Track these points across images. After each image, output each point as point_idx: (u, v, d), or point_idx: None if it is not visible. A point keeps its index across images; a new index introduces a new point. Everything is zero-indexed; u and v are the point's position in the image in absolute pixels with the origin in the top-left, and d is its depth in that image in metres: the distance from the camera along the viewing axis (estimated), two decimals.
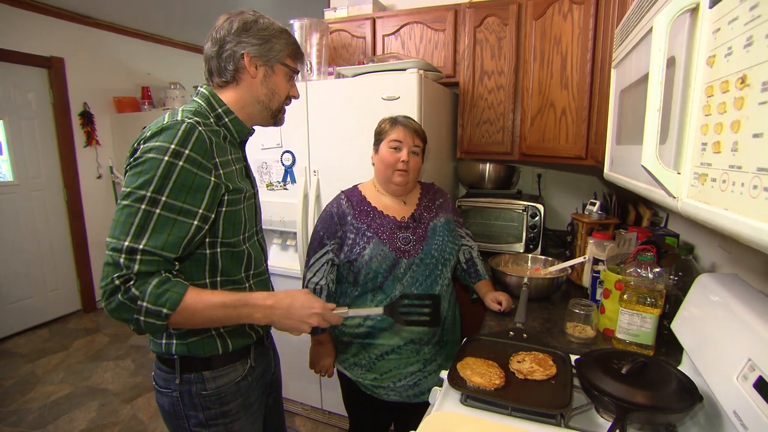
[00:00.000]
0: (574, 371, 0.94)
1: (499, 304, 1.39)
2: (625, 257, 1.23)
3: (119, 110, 3.87)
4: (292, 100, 1.07)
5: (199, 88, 0.99)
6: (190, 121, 0.86)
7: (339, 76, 1.95)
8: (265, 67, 0.97)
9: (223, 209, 0.92)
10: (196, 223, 0.85)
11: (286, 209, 2.01)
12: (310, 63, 1.97)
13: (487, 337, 1.16)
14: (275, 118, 1.05)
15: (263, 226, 1.19)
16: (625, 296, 1.09)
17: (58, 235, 3.62)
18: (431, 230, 1.36)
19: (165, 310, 0.80)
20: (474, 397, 0.89)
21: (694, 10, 0.52)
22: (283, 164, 2.00)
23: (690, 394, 0.79)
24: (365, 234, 1.30)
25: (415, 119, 1.48)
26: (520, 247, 2.03)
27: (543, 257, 1.74)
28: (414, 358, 1.33)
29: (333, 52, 2.36)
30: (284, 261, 2.11)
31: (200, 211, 0.85)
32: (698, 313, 0.91)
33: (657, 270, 1.08)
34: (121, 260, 0.78)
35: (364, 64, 1.97)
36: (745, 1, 0.40)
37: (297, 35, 1.95)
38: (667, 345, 1.12)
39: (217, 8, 3.38)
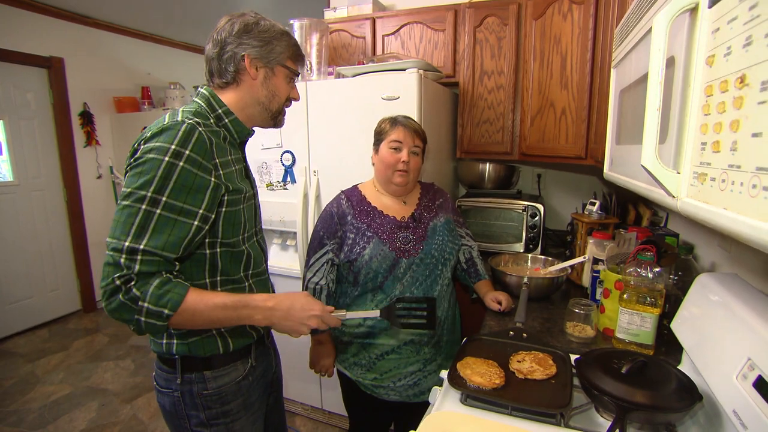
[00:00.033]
0: (574, 371, 0.94)
1: (499, 303, 1.39)
2: (625, 257, 1.23)
3: (119, 110, 3.87)
4: (292, 101, 1.07)
5: (199, 89, 0.99)
6: (191, 121, 0.86)
7: (339, 76, 1.95)
8: (265, 69, 0.97)
9: (223, 210, 0.92)
10: (196, 223, 0.85)
11: (286, 209, 2.01)
12: (310, 63, 1.98)
13: (487, 336, 1.16)
14: (275, 119, 1.05)
15: (263, 226, 1.19)
16: (624, 296, 1.09)
17: (58, 235, 3.62)
18: (431, 230, 1.36)
19: (166, 311, 0.80)
20: (474, 396, 0.90)
21: (694, 10, 0.52)
22: (283, 164, 2.00)
23: (690, 394, 0.79)
24: (365, 234, 1.30)
25: (415, 119, 1.49)
26: (520, 247, 2.03)
27: (543, 257, 1.74)
28: (414, 357, 1.33)
29: (333, 52, 2.36)
30: (284, 261, 2.11)
31: (200, 211, 0.86)
32: (698, 312, 0.91)
33: (657, 270, 1.08)
34: (122, 260, 0.78)
35: (364, 64, 1.97)
36: (744, 0, 0.40)
37: (297, 35, 1.95)
38: (667, 344, 1.12)
39: (217, 8, 3.38)
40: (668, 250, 1.28)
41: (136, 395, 2.55)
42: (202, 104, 0.95)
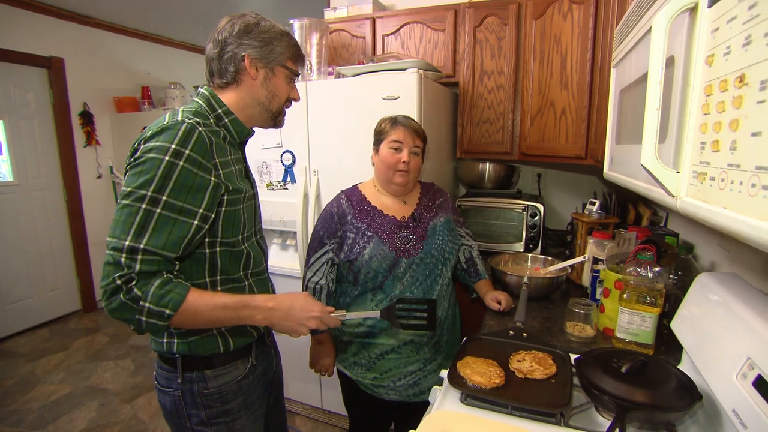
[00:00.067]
0: (574, 370, 0.94)
1: (499, 303, 1.39)
2: (625, 256, 1.23)
3: (119, 110, 3.87)
4: (292, 102, 1.07)
5: (199, 89, 0.99)
6: (191, 121, 0.86)
7: (339, 75, 1.95)
8: (265, 69, 0.98)
9: (223, 209, 0.92)
10: (196, 222, 0.85)
11: (286, 209, 2.01)
12: (310, 63, 1.98)
13: (487, 336, 1.16)
14: (275, 120, 1.05)
15: (263, 226, 1.19)
16: (624, 295, 1.09)
17: (58, 235, 3.62)
18: (431, 230, 1.36)
19: (167, 311, 0.81)
20: (474, 396, 0.90)
21: (693, 10, 0.52)
22: (283, 164, 2.00)
23: (689, 393, 0.79)
24: (365, 233, 1.30)
25: (415, 119, 1.49)
26: (519, 247, 2.03)
27: (543, 257, 1.74)
28: (414, 357, 1.34)
29: (333, 51, 2.36)
30: (284, 261, 2.11)
31: (200, 210, 0.86)
32: (698, 312, 0.91)
33: (657, 269, 1.08)
34: (123, 260, 0.78)
35: (364, 63, 1.98)
36: (744, 0, 0.40)
37: (297, 35, 1.95)
38: (667, 344, 1.12)
39: (217, 8, 3.38)
40: (668, 249, 1.28)
41: (137, 395, 2.55)
42: (202, 104, 0.96)
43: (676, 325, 0.98)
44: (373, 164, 1.39)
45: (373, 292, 1.31)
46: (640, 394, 0.78)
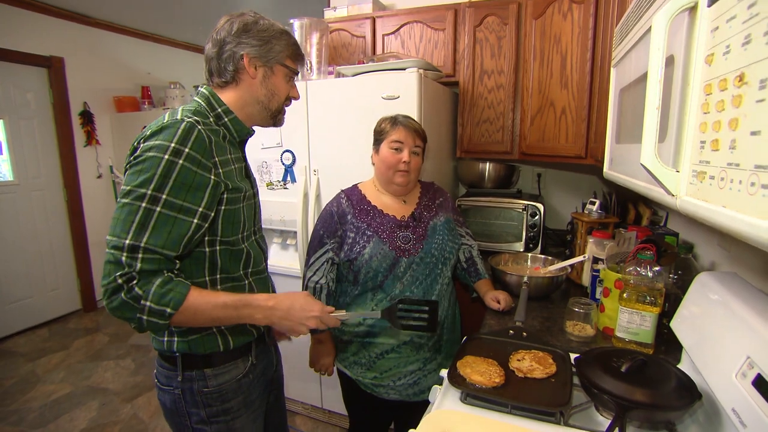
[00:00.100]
0: (574, 369, 0.94)
1: (499, 302, 1.39)
2: (625, 256, 1.23)
3: (119, 110, 3.87)
4: (292, 101, 1.07)
5: (199, 88, 0.99)
6: (190, 120, 0.86)
7: (339, 75, 1.95)
8: (264, 68, 0.98)
9: (223, 208, 0.92)
10: (196, 221, 0.86)
11: (286, 208, 2.01)
12: (310, 62, 1.98)
13: (487, 335, 1.16)
14: (275, 118, 1.05)
15: (263, 225, 1.19)
16: (624, 295, 1.09)
17: (58, 235, 3.62)
18: (431, 229, 1.36)
19: (168, 310, 0.81)
20: (474, 395, 0.90)
21: (693, 9, 0.52)
22: (283, 163, 2.00)
23: (689, 392, 0.79)
24: (365, 233, 1.30)
25: (415, 118, 1.49)
26: (519, 246, 2.03)
27: (543, 256, 1.74)
28: (414, 356, 1.34)
29: (333, 51, 2.36)
30: (284, 260, 2.11)
31: (200, 209, 0.86)
32: (697, 311, 0.91)
33: (656, 269, 1.08)
34: (123, 258, 0.78)
35: (364, 63, 1.98)
36: None
37: (297, 35, 1.95)
38: (667, 343, 1.12)
39: (217, 8, 3.38)
40: (668, 249, 1.28)
41: (137, 394, 2.55)
42: (202, 103, 0.96)
43: (676, 325, 0.98)
44: (373, 164, 1.39)
45: (373, 292, 1.31)
46: (640, 393, 0.78)
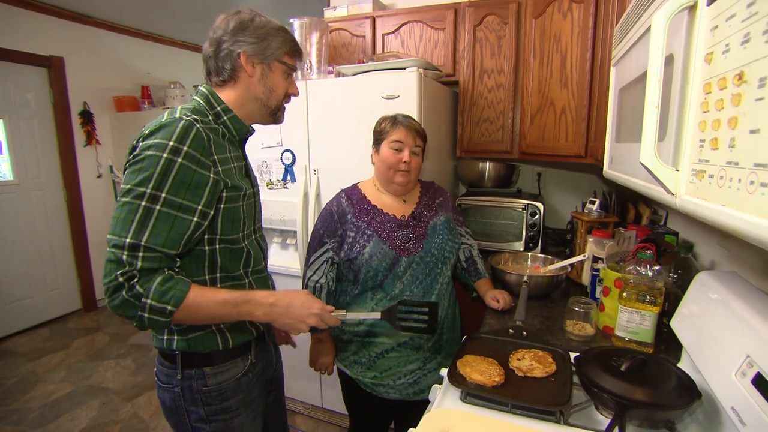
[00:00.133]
0: (574, 369, 0.94)
1: (498, 302, 1.39)
2: (625, 255, 1.23)
3: (119, 109, 3.87)
4: (292, 97, 1.07)
5: (199, 87, 0.99)
6: (188, 118, 0.86)
7: (339, 74, 1.95)
8: (262, 65, 0.98)
9: (222, 206, 0.92)
10: (195, 219, 0.86)
11: (286, 208, 2.01)
12: (310, 62, 1.98)
13: (487, 335, 1.16)
14: (274, 116, 1.05)
15: (263, 225, 1.19)
16: (624, 294, 1.09)
17: (58, 235, 3.62)
18: (431, 229, 1.36)
19: (169, 307, 0.81)
20: (474, 394, 0.90)
21: (692, 8, 0.52)
22: (283, 163, 2.00)
23: (689, 391, 0.79)
24: (365, 232, 1.30)
25: (415, 118, 1.49)
26: (519, 246, 2.03)
27: (543, 255, 1.74)
28: (414, 356, 1.34)
29: (333, 50, 2.36)
30: (284, 260, 2.12)
31: (199, 207, 0.86)
32: (697, 310, 0.91)
33: (656, 268, 1.08)
34: (124, 257, 0.79)
35: (364, 62, 1.98)
36: None
37: (297, 34, 1.95)
38: (667, 342, 1.12)
39: (217, 7, 3.36)
40: (668, 248, 1.28)
41: (137, 394, 2.55)
42: (201, 102, 0.96)
43: (676, 324, 0.98)
44: (373, 163, 1.39)
45: (373, 291, 1.31)
46: (640, 392, 0.78)
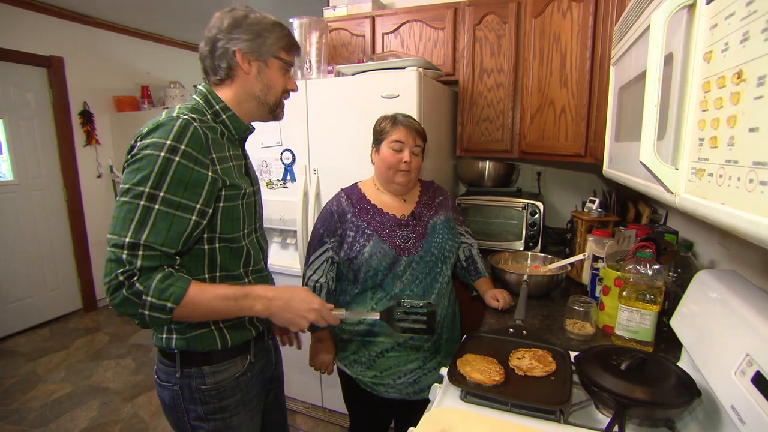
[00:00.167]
0: (574, 368, 0.94)
1: (498, 301, 1.39)
2: (625, 254, 1.24)
3: (119, 109, 3.87)
4: (291, 93, 1.06)
5: (198, 86, 0.99)
6: (186, 117, 0.86)
7: (338, 74, 1.95)
8: (258, 62, 0.97)
9: (221, 205, 0.92)
10: (194, 218, 0.86)
11: (286, 207, 2.01)
12: (310, 61, 1.98)
13: (486, 334, 1.16)
14: (273, 113, 1.05)
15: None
16: (624, 293, 1.09)
17: (58, 235, 3.62)
18: (431, 228, 1.36)
19: (169, 304, 0.81)
20: (474, 393, 0.90)
21: (692, 7, 0.52)
22: (282, 163, 2.00)
23: (689, 390, 0.79)
24: (365, 232, 1.30)
25: (415, 117, 1.49)
26: (519, 245, 2.03)
27: (542, 255, 1.74)
28: (414, 355, 1.34)
29: (332, 50, 2.36)
30: (284, 259, 2.12)
31: (198, 206, 0.86)
32: (697, 309, 0.91)
33: (656, 267, 1.08)
34: (124, 256, 0.79)
35: (363, 62, 1.97)
36: None
37: (296, 34, 1.95)
38: (666, 341, 1.12)
39: (217, 7, 3.35)
40: (668, 247, 1.28)
41: (137, 393, 2.55)
42: (200, 101, 0.96)
43: (676, 323, 0.98)
44: (373, 163, 1.39)
45: (373, 291, 1.31)
46: (640, 391, 0.78)
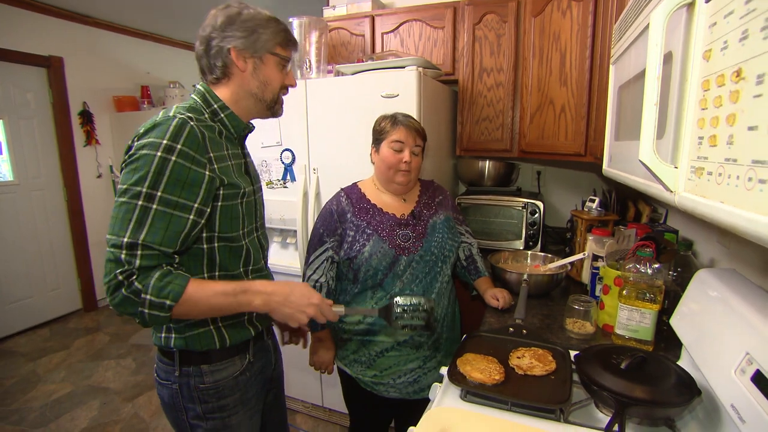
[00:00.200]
0: (574, 367, 0.94)
1: (498, 300, 1.39)
2: (625, 253, 1.23)
3: (119, 109, 3.87)
4: (290, 90, 1.06)
5: (196, 86, 0.99)
6: (182, 116, 0.86)
7: (338, 74, 1.95)
8: (253, 59, 0.96)
9: (219, 204, 0.92)
10: (192, 217, 0.86)
11: (286, 207, 2.01)
12: (309, 61, 1.98)
13: (486, 333, 1.16)
14: (272, 109, 1.04)
15: None
16: (624, 292, 1.09)
17: (58, 235, 3.62)
18: (431, 227, 1.36)
19: (168, 302, 0.81)
20: (474, 392, 0.90)
21: (691, 5, 0.52)
22: (282, 162, 2.00)
23: (688, 389, 0.79)
24: (365, 231, 1.30)
25: (415, 117, 1.49)
26: (519, 244, 2.03)
27: (542, 254, 1.74)
28: (414, 354, 1.34)
29: (332, 50, 2.36)
30: (284, 259, 2.12)
31: (195, 205, 0.86)
32: (697, 308, 0.91)
33: (656, 266, 1.08)
34: (122, 256, 0.79)
35: (363, 62, 1.97)
36: None
37: (296, 33, 1.95)
38: (666, 340, 1.12)
39: (217, 6, 3.37)
40: (667, 246, 1.28)
41: (138, 393, 2.55)
42: (198, 100, 0.96)
43: (676, 322, 0.98)
44: (373, 163, 1.39)
45: (372, 290, 1.31)
46: (640, 390, 0.78)
